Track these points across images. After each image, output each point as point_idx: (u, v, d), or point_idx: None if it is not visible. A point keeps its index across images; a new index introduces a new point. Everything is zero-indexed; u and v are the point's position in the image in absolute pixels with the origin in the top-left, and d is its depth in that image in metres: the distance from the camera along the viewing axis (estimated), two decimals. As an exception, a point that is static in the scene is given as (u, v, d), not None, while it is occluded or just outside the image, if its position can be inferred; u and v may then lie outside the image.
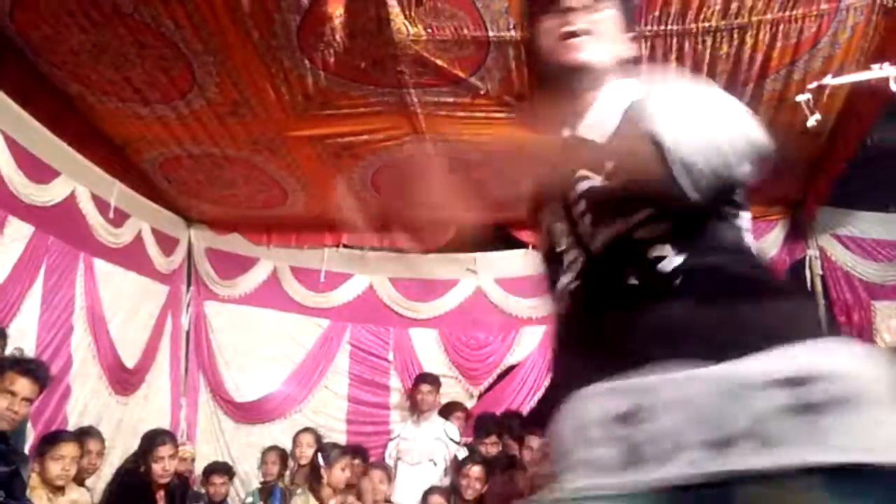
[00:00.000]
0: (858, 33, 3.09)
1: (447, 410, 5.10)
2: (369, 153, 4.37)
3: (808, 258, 4.97)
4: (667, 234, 1.02)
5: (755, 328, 0.94)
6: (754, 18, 3.01)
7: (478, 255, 5.61)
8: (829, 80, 2.67)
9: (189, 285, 5.69)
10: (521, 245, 5.55)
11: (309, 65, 3.47)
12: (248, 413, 5.50)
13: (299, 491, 4.39)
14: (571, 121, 1.20)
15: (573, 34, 1.16)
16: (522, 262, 5.55)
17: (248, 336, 5.61)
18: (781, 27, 3.06)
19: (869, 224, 4.97)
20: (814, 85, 2.71)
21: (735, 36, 3.12)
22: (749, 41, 3.14)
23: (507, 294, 5.52)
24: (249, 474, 5.21)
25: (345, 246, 5.71)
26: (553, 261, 1.18)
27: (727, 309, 0.97)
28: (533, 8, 1.24)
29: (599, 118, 1.16)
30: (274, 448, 4.96)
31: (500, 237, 5.52)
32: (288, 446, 4.96)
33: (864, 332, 4.71)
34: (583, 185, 1.11)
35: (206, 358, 5.57)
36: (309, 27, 3.19)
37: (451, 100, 3.78)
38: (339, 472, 4.20)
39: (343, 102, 3.81)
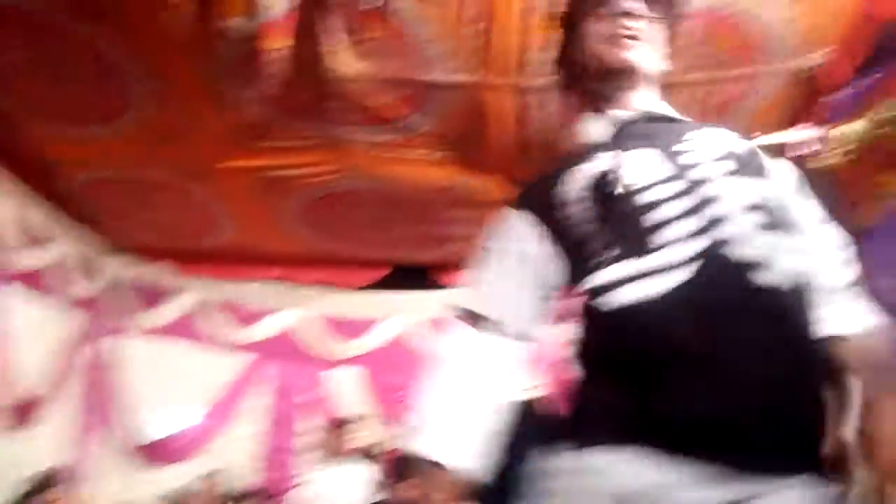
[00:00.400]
0: (775, 100, 3.31)
1: (367, 452, 4.98)
2: (302, 187, 4.32)
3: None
4: None
5: None
6: (677, 79, 3.17)
7: (407, 294, 5.59)
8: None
9: (106, 314, 5.42)
10: (443, 287, 5.57)
11: (246, 96, 3.43)
12: (157, 453, 5.22)
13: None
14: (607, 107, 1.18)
15: (627, 37, 1.16)
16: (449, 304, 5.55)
17: (161, 371, 5.33)
18: (705, 89, 3.24)
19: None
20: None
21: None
22: (674, 100, 3.30)
23: (434, 334, 5.50)
24: (154, 518, 4.91)
25: (273, 280, 5.59)
26: None
27: None
28: (580, 6, 1.23)
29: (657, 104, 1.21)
30: (178, 492, 4.71)
31: (429, 276, 5.54)
32: (196, 488, 4.71)
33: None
34: None
35: (113, 393, 5.27)
36: (250, 58, 3.17)
37: (386, 138, 3.80)
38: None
39: (280, 135, 3.78)
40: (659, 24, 1.20)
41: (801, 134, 2.81)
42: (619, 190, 1.00)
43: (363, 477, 4.73)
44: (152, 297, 5.49)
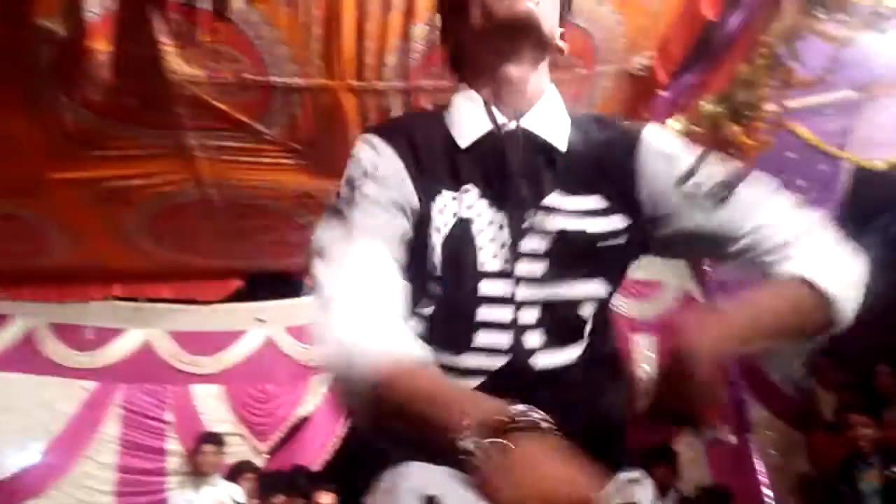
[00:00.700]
0: (610, 96, 3.49)
1: (233, 472, 4.79)
2: (144, 198, 4.05)
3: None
4: None
5: None
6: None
7: (267, 303, 5.41)
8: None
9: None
10: (309, 294, 5.45)
11: (70, 102, 3.17)
12: (-2, 496, 4.74)
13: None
14: (501, 100, 1.03)
15: None
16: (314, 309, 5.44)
17: (-5, 406, 4.88)
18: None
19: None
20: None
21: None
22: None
23: (299, 343, 5.37)
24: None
25: (116, 298, 5.22)
26: None
27: None
28: None
29: (552, 118, 1.04)
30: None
31: (290, 285, 5.40)
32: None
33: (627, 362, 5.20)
34: None
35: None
36: (69, 61, 2.92)
37: (234, 144, 3.64)
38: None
39: (112, 144, 3.51)
40: None
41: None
42: (469, 272, 0.97)
43: (230, 496, 4.56)
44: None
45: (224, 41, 3.01)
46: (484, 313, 0.96)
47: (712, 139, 2.78)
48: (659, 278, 5.45)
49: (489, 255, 0.98)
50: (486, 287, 0.97)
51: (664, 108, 2.95)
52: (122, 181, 3.85)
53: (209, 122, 3.43)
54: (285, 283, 5.35)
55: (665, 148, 1.06)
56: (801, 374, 4.92)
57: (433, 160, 1.02)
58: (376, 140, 1.03)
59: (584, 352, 0.98)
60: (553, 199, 1.00)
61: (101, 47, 2.91)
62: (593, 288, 1.00)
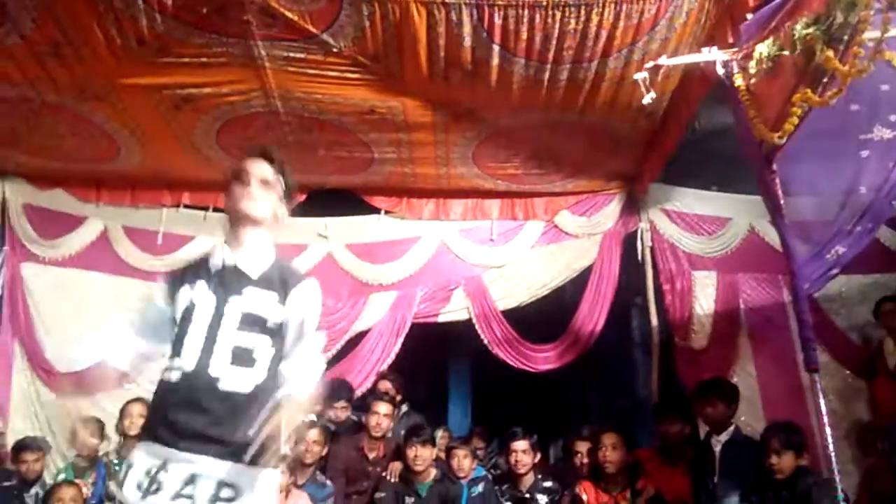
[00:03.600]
0: (692, 19, 3.29)
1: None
2: (213, 107, 4.10)
3: (639, 230, 5.32)
4: None
5: None
6: (605, -2, 3.10)
7: (328, 220, 5.48)
8: (663, 61, 2.82)
9: (3, 244, 5.15)
10: (373, 210, 5.50)
11: (143, 5, 3.18)
12: (74, 384, 5.05)
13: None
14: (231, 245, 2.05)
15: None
16: (374, 228, 5.50)
17: (73, 301, 5.16)
18: (624, 7, 3.18)
19: (693, 200, 5.36)
20: (650, 64, 2.85)
21: (582, 12, 3.20)
22: (595, 18, 3.24)
23: (358, 260, 5.45)
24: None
25: (185, 206, 5.38)
26: None
27: None
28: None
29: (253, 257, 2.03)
30: (89, 419, 4.58)
31: (351, 202, 5.44)
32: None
33: (685, 299, 5.11)
34: None
35: (22, 324, 5.06)
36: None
37: (302, 56, 3.61)
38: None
39: (183, 50, 3.53)
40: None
41: (708, 56, 2.81)
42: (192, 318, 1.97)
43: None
44: (54, 225, 5.25)
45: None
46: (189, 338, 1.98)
47: (803, 65, 2.60)
48: (729, 215, 5.27)
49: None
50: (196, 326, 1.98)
51: (752, 31, 2.76)
52: (192, 89, 3.89)
53: (278, 31, 3.40)
54: (347, 199, 5.40)
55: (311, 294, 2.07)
56: (869, 321, 4.75)
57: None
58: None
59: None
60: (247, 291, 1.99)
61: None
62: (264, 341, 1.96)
